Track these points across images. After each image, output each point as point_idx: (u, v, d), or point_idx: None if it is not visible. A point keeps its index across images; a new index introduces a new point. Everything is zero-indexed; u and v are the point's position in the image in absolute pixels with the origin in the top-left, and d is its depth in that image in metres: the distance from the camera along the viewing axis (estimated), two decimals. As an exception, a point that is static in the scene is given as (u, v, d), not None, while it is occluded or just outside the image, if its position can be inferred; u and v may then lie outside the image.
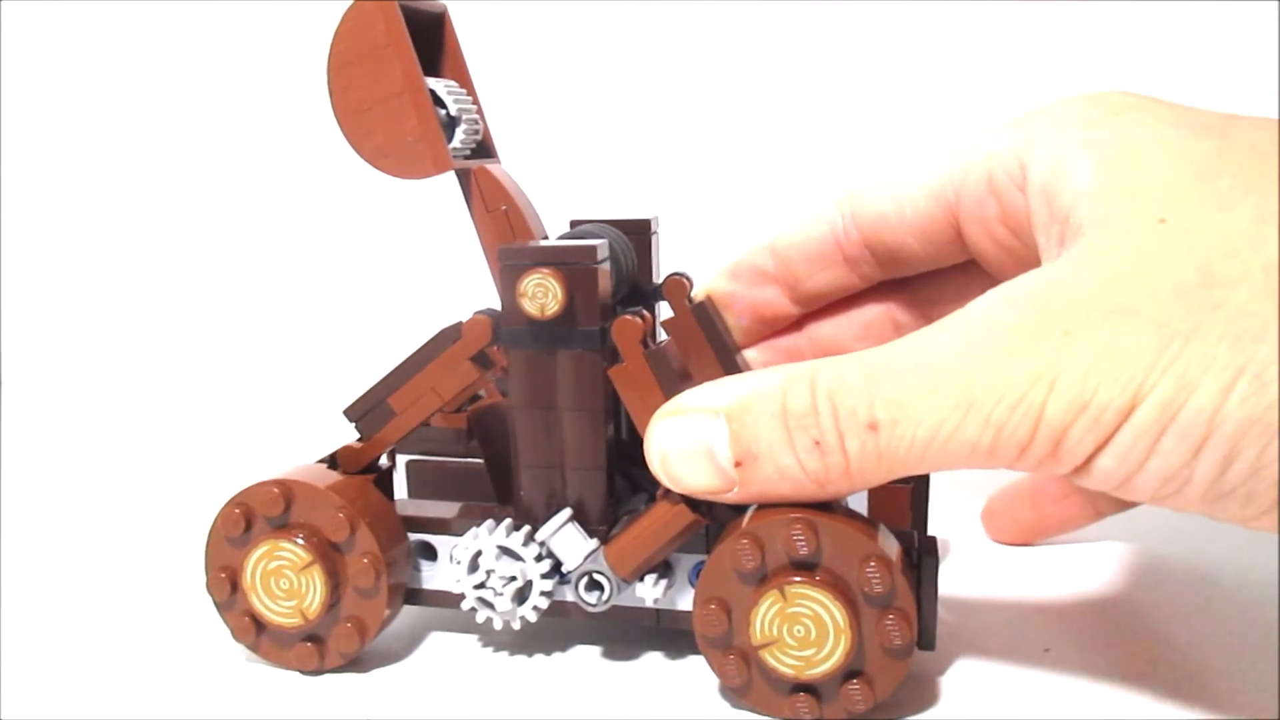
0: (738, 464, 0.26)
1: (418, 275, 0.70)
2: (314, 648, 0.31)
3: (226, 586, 0.31)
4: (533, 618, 0.30)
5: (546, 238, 0.33)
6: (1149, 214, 0.23)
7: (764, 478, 0.26)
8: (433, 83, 0.31)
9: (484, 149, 0.33)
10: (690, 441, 0.27)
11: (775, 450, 0.26)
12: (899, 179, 0.30)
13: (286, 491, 0.30)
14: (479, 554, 0.30)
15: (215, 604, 0.31)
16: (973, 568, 0.37)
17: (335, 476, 0.31)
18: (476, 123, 0.32)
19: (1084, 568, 0.37)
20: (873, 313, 0.33)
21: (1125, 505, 0.37)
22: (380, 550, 0.30)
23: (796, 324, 0.34)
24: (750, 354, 0.35)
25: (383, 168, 0.31)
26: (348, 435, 0.33)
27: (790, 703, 0.27)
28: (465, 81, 0.33)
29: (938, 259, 0.31)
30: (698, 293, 0.34)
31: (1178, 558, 0.37)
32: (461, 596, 0.30)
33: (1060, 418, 0.23)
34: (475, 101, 0.33)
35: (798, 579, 0.26)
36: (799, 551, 0.26)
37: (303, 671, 0.31)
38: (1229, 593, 0.34)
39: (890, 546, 0.27)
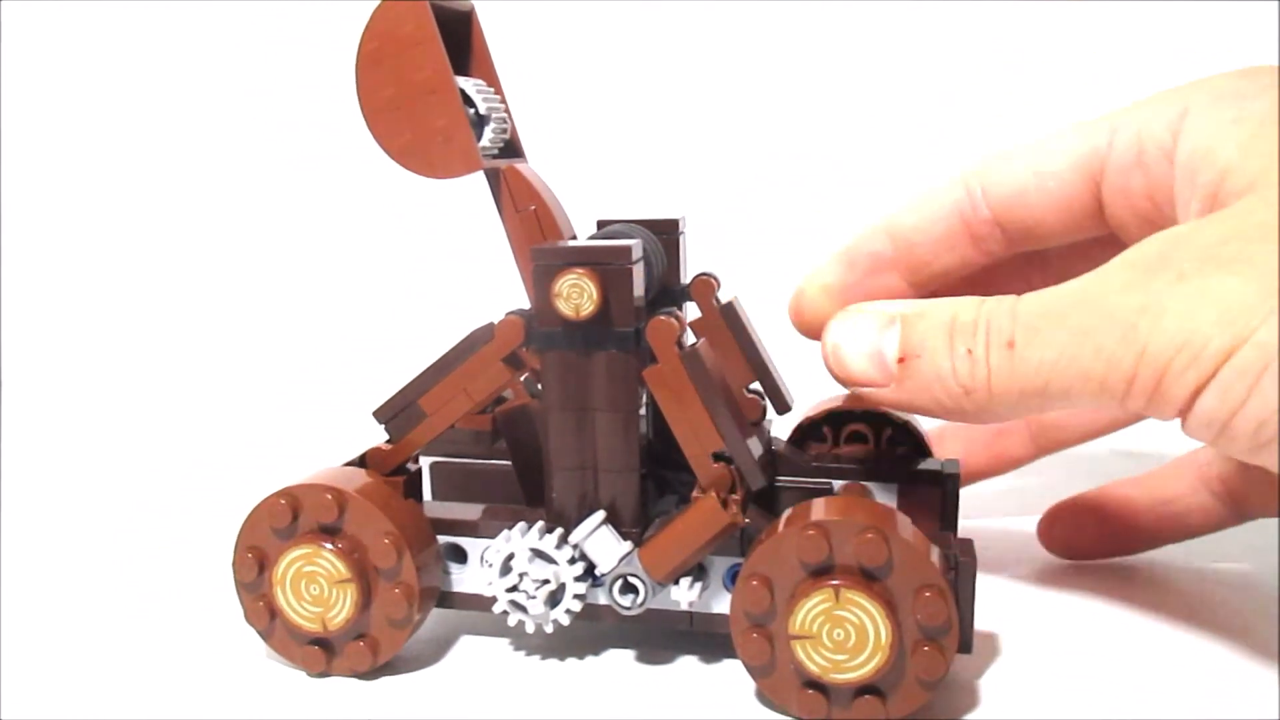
0: (901, 360, 0.27)
1: (427, 276, 0.69)
2: (323, 654, 0.30)
3: (254, 569, 0.30)
4: (565, 621, 0.30)
5: (575, 238, 0.32)
6: None
7: (921, 375, 0.27)
8: (462, 81, 0.31)
9: (511, 148, 0.33)
10: (864, 337, 0.28)
11: (937, 354, 0.27)
12: (1038, 151, 0.31)
13: (341, 500, 0.30)
14: (511, 556, 0.30)
15: (236, 582, 0.31)
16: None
17: (387, 492, 0.31)
18: (505, 122, 0.32)
19: (1084, 569, 0.37)
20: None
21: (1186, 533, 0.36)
22: (417, 583, 0.30)
23: None
24: None
25: (410, 166, 0.31)
26: (354, 435, 0.32)
27: (799, 696, 0.27)
28: (492, 80, 0.33)
29: (1073, 232, 0.31)
30: (803, 283, 0.33)
31: (1178, 558, 0.37)
32: (493, 599, 0.30)
33: (1163, 352, 0.23)
34: (503, 100, 0.33)
35: (857, 586, 0.26)
36: (869, 560, 0.26)
37: (307, 673, 0.31)
38: (1229, 593, 0.34)
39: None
